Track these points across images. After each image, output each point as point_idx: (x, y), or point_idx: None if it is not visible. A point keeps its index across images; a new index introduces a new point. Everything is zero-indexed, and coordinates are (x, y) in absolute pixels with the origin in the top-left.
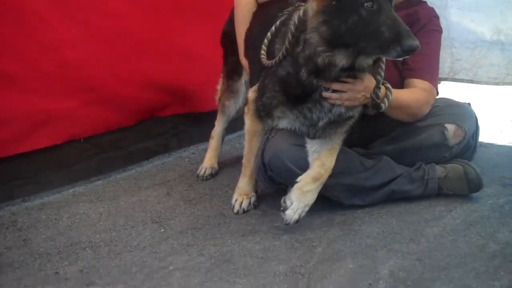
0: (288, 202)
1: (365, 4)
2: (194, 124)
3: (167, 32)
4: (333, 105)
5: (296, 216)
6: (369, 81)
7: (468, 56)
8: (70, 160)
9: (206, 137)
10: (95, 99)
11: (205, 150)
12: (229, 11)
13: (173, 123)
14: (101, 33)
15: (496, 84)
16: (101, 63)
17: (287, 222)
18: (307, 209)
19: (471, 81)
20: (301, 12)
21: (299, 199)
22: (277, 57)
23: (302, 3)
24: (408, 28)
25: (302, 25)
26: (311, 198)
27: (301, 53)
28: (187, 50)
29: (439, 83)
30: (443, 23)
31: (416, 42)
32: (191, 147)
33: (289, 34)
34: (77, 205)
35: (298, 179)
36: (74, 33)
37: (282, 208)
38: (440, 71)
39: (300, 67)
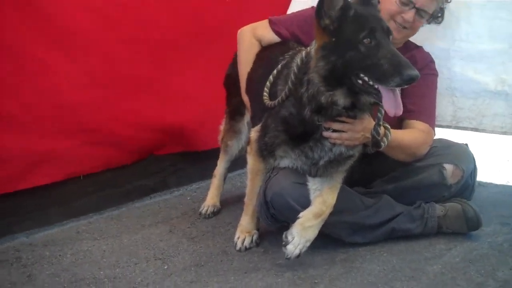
0: (289, 237)
1: (364, 40)
2: (192, 162)
3: (165, 72)
4: (333, 144)
5: (297, 251)
6: (368, 122)
7: (471, 105)
8: (69, 197)
9: (205, 175)
10: (93, 139)
11: (206, 188)
12: (227, 52)
13: (171, 161)
14: (100, 75)
15: (504, 134)
16: (99, 105)
17: (288, 256)
18: (308, 244)
19: (476, 129)
20: (303, 54)
21: (300, 234)
22: (280, 97)
23: (303, 47)
24: (407, 60)
25: (304, 66)
26: (312, 234)
27: (305, 93)
28: (184, 90)
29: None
30: (445, 73)
31: (416, 72)
32: (191, 184)
33: (292, 75)
34: (80, 242)
35: (300, 215)
36: (73, 76)
37: (283, 243)
38: (441, 119)
39: (303, 106)
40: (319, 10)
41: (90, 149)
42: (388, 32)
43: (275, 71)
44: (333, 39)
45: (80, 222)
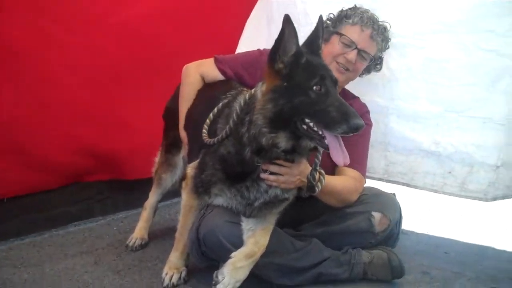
0: (220, 277)
1: (314, 87)
2: (121, 191)
3: (104, 101)
4: (270, 186)
5: None
6: (304, 166)
7: (403, 161)
8: None
9: (132, 204)
10: (21, 161)
11: (133, 218)
12: (170, 85)
13: (98, 189)
14: (38, 98)
15: (435, 192)
16: (33, 127)
17: None
18: (238, 285)
19: (408, 185)
20: (247, 95)
21: (231, 274)
22: (220, 136)
23: (245, 88)
24: (354, 109)
25: (247, 107)
26: (242, 274)
27: (245, 133)
28: (122, 119)
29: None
30: (381, 128)
31: (361, 121)
32: (118, 214)
33: (234, 115)
34: (0, 270)
35: (232, 254)
36: (10, 96)
37: (213, 282)
38: (373, 171)
39: (244, 146)
40: (273, 53)
41: (14, 172)
42: (335, 82)
43: (215, 109)
44: (285, 83)
45: (0, 247)
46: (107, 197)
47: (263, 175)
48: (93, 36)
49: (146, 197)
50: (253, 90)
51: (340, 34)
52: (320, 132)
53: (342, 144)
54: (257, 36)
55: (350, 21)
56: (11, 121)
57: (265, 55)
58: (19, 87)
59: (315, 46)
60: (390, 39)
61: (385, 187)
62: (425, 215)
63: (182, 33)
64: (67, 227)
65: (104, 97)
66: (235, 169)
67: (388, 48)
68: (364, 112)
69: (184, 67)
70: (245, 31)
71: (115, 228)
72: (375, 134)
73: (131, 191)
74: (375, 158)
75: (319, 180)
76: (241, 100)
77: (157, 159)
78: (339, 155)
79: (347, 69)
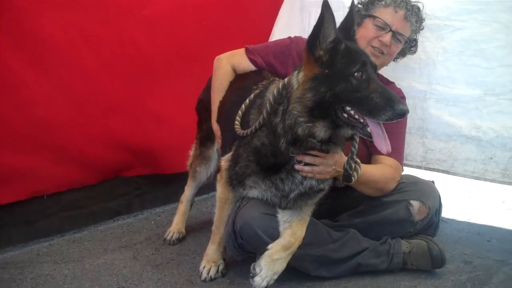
0: (257, 269)
1: (356, 73)
2: (158, 185)
3: (138, 94)
4: (304, 177)
5: (264, 284)
6: (339, 156)
7: (441, 147)
8: (31, 217)
9: (170, 199)
10: (60, 157)
11: (171, 212)
12: (203, 77)
13: (137, 184)
14: (73, 92)
15: (476, 179)
16: (70, 122)
17: None
18: (275, 277)
19: (447, 172)
20: (280, 84)
21: (268, 266)
22: (253, 127)
23: (277, 78)
24: (397, 95)
25: (280, 97)
26: (280, 266)
27: (280, 123)
28: (156, 113)
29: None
30: (419, 113)
31: (406, 107)
32: (155, 209)
33: (267, 105)
34: (41, 266)
35: (269, 246)
36: (46, 92)
37: (251, 274)
38: (411, 159)
39: (278, 137)
40: (312, 40)
41: (55, 168)
42: (375, 68)
43: (247, 100)
44: (326, 71)
45: (41, 244)
46: (146, 191)
47: (297, 166)
48: (126, 29)
49: (183, 191)
50: (286, 79)
51: (374, 17)
52: (362, 120)
53: (385, 132)
54: (290, 23)
55: (383, 2)
56: (47, 117)
57: (295, 43)
58: (54, 83)
59: (351, 32)
60: (424, 19)
61: (424, 175)
62: (466, 202)
63: (215, 23)
64: (107, 223)
65: (138, 90)
66: (269, 160)
67: (423, 29)
68: (400, 97)
69: (216, 58)
70: (278, 19)
71: (153, 223)
72: (413, 121)
73: (170, 185)
74: (413, 145)
75: (355, 169)
76: (274, 90)
77: (191, 152)
78: (382, 143)
79: (382, 53)
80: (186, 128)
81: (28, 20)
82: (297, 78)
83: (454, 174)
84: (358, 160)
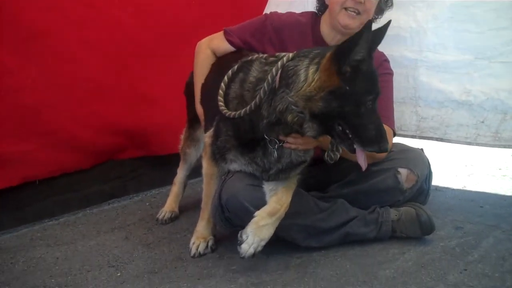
0: (244, 236)
1: (368, 102)
2: (154, 167)
3: (126, 76)
4: (281, 156)
5: (251, 250)
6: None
7: (434, 115)
8: (24, 202)
9: (167, 181)
10: (51, 142)
11: (166, 194)
12: (190, 57)
13: (132, 166)
14: (60, 77)
15: (468, 144)
16: (58, 107)
17: (243, 256)
18: (263, 243)
19: (441, 140)
20: (279, 64)
21: (254, 233)
22: (248, 107)
23: (255, 54)
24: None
25: (279, 79)
26: (267, 233)
27: (265, 104)
28: (146, 94)
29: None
30: (411, 82)
31: (388, 146)
32: (151, 191)
33: (265, 85)
34: (34, 249)
35: (255, 214)
36: (32, 77)
37: (238, 242)
38: (405, 129)
39: (261, 117)
40: (343, 55)
41: (47, 153)
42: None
43: (229, 72)
44: (347, 88)
45: (35, 228)
46: (141, 174)
47: (285, 145)
48: (111, 11)
49: None
50: (291, 64)
51: None
52: (350, 136)
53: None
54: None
55: None
56: (36, 102)
57: (270, 19)
58: (42, 68)
59: (372, 49)
60: None
61: (418, 144)
62: (462, 170)
63: (204, 4)
64: (101, 206)
65: (127, 73)
66: (247, 135)
67: None
68: (382, 61)
69: (197, 44)
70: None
71: (147, 204)
72: (406, 90)
73: (166, 167)
74: (406, 114)
75: (337, 149)
76: (273, 71)
77: (182, 136)
78: (363, 161)
79: (358, 13)
80: (178, 109)
81: (9, 6)
82: (309, 73)
83: (448, 141)
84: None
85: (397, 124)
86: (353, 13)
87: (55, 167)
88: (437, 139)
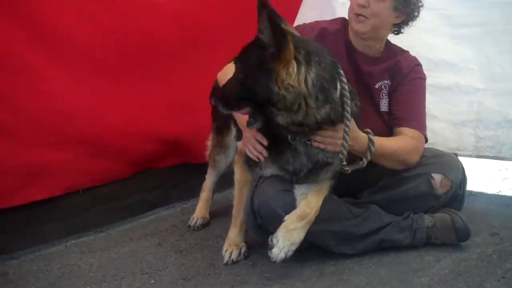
0: (274, 240)
1: None
2: (194, 174)
3: (165, 82)
4: (308, 155)
5: (282, 255)
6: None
7: (492, 135)
8: (66, 213)
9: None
10: (88, 151)
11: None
12: (223, 61)
13: (171, 174)
14: (100, 84)
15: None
16: (96, 115)
17: (274, 260)
18: (293, 248)
19: (496, 158)
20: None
21: (284, 237)
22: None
23: None
24: None
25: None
26: (297, 236)
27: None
28: (184, 100)
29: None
30: (474, 107)
31: None
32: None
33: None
34: (68, 256)
35: (285, 218)
36: (69, 85)
37: (269, 247)
38: (462, 149)
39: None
40: None
41: (87, 161)
42: None
43: None
44: None
45: (70, 236)
46: (181, 181)
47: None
48: (142, 19)
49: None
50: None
51: None
52: None
53: None
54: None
55: None
56: (72, 110)
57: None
58: (77, 76)
59: None
60: None
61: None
62: (496, 175)
63: (236, 8)
64: (145, 215)
65: (164, 79)
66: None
67: None
68: (413, 65)
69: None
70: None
71: (179, 210)
72: (468, 114)
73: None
74: (465, 136)
75: (368, 148)
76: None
77: (209, 142)
78: None
79: (366, 17)
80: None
81: (46, 13)
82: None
83: (502, 158)
84: (372, 137)
85: (454, 145)
86: (360, 17)
87: (97, 177)
88: (492, 158)
